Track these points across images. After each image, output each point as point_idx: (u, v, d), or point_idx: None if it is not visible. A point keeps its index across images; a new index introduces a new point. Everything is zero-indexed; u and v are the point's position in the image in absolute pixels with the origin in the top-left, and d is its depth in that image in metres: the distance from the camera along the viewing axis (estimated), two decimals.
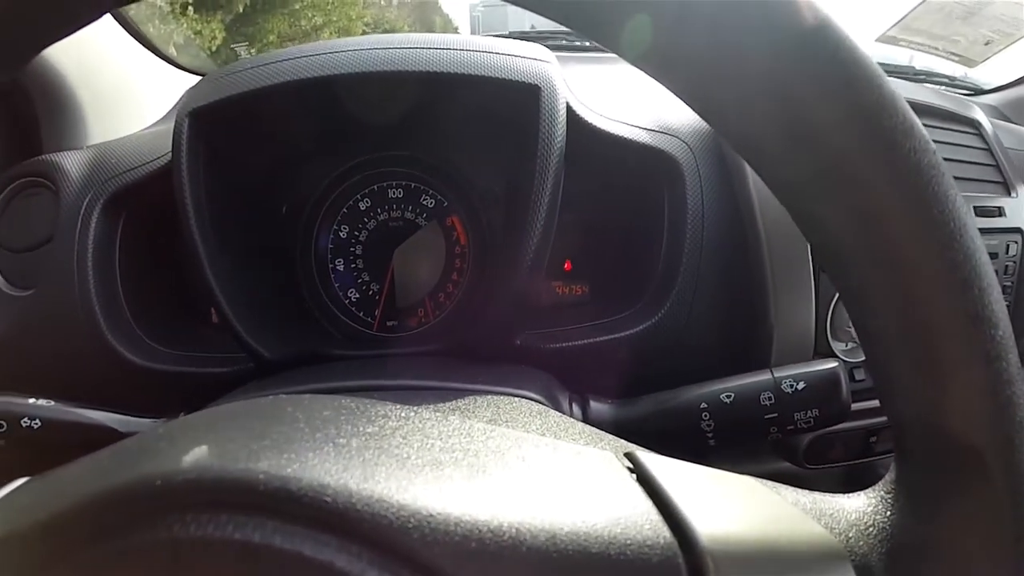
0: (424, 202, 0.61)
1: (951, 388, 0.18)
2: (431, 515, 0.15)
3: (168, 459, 0.16)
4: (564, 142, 0.46)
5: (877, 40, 0.96)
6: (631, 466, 0.20)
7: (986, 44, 0.93)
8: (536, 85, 0.47)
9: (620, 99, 0.55)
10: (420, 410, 0.20)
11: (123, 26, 0.70)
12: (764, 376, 0.38)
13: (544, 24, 0.89)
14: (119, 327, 0.52)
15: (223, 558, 0.14)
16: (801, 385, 0.37)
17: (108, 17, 0.67)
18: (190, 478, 0.15)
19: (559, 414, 0.33)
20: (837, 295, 0.51)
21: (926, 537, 0.19)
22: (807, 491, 0.22)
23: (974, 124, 0.65)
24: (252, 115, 0.50)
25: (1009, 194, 0.62)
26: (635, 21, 0.19)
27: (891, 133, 0.17)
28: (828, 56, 0.17)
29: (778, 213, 0.50)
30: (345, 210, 0.60)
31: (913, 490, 0.20)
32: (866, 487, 0.22)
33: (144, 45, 0.73)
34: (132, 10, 0.72)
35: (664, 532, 0.16)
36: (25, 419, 0.41)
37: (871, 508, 0.21)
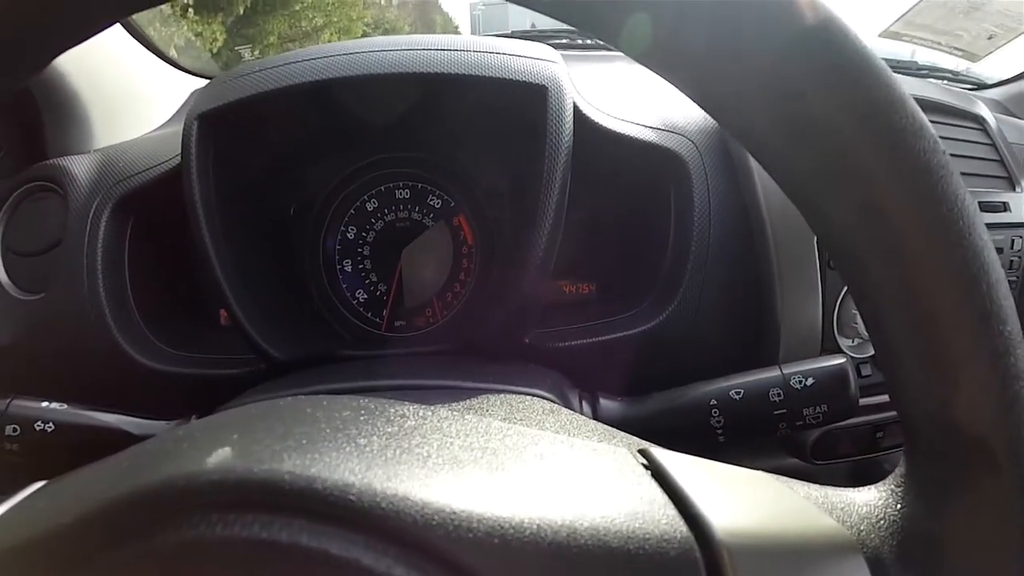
0: (431, 202, 0.61)
1: (960, 383, 0.18)
2: (454, 512, 0.15)
3: (191, 460, 0.16)
4: (571, 142, 0.46)
5: (880, 35, 0.96)
6: (645, 462, 0.20)
7: (989, 39, 0.93)
8: (543, 85, 0.47)
9: (626, 98, 0.55)
10: (437, 409, 0.21)
11: (126, 29, 0.70)
12: (773, 372, 0.38)
13: (546, 23, 0.89)
14: (129, 330, 0.53)
15: (250, 557, 0.14)
16: (810, 381, 0.37)
17: None
18: (214, 479, 0.15)
19: (571, 412, 0.33)
20: (844, 291, 0.52)
21: (936, 529, 0.19)
22: (818, 486, 0.22)
23: (978, 119, 0.65)
24: (259, 118, 0.50)
25: (1014, 189, 0.62)
26: (638, 17, 0.19)
27: (901, 133, 0.17)
28: (837, 54, 0.17)
29: (784, 210, 0.50)
30: (352, 211, 0.61)
31: (923, 483, 0.20)
32: (873, 482, 0.22)
33: (147, 48, 0.73)
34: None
35: (681, 526, 0.17)
36: (39, 422, 0.42)
37: (882, 501, 0.21)
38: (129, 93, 0.69)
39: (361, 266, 0.61)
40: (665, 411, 0.40)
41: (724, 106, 0.21)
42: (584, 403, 0.41)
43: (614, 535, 0.16)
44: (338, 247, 0.61)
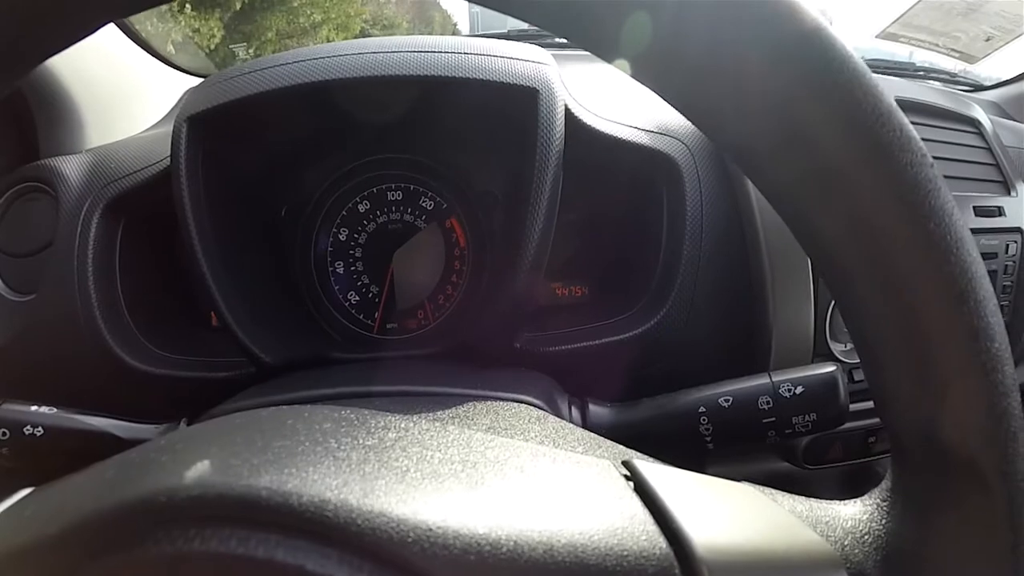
0: (423, 204, 0.61)
1: (948, 399, 0.18)
2: (430, 528, 0.15)
3: (172, 474, 0.16)
4: (562, 144, 0.46)
5: (878, 36, 0.96)
6: (628, 474, 0.20)
7: (986, 40, 0.93)
8: (534, 88, 0.47)
9: (618, 100, 0.55)
10: (419, 420, 0.21)
11: (119, 27, 0.70)
12: (762, 380, 0.38)
13: None
14: (120, 331, 0.53)
15: (227, 571, 0.14)
16: (799, 389, 0.37)
17: None
18: (193, 494, 0.15)
19: (558, 420, 0.33)
20: None
21: (921, 545, 0.19)
22: (804, 498, 0.22)
23: (974, 123, 0.65)
24: (250, 119, 0.50)
25: (1009, 193, 0.62)
26: (627, 28, 0.19)
27: (888, 147, 0.17)
28: (823, 66, 0.17)
29: (776, 214, 0.50)
30: (344, 213, 0.60)
31: (909, 498, 0.20)
32: (864, 487, 0.22)
33: (141, 46, 0.73)
34: None
35: (660, 542, 0.17)
36: (28, 427, 0.41)
37: (867, 516, 0.21)
38: (122, 92, 0.68)
39: (353, 268, 0.61)
40: (654, 418, 0.40)
41: (709, 118, 0.20)
42: (573, 409, 0.41)
43: (592, 552, 0.16)
44: (330, 249, 0.61)
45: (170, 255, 0.59)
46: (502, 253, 0.56)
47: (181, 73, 0.80)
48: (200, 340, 0.57)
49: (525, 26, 0.93)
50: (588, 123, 0.50)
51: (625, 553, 0.16)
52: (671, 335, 0.50)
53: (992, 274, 0.58)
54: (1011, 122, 0.75)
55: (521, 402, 0.36)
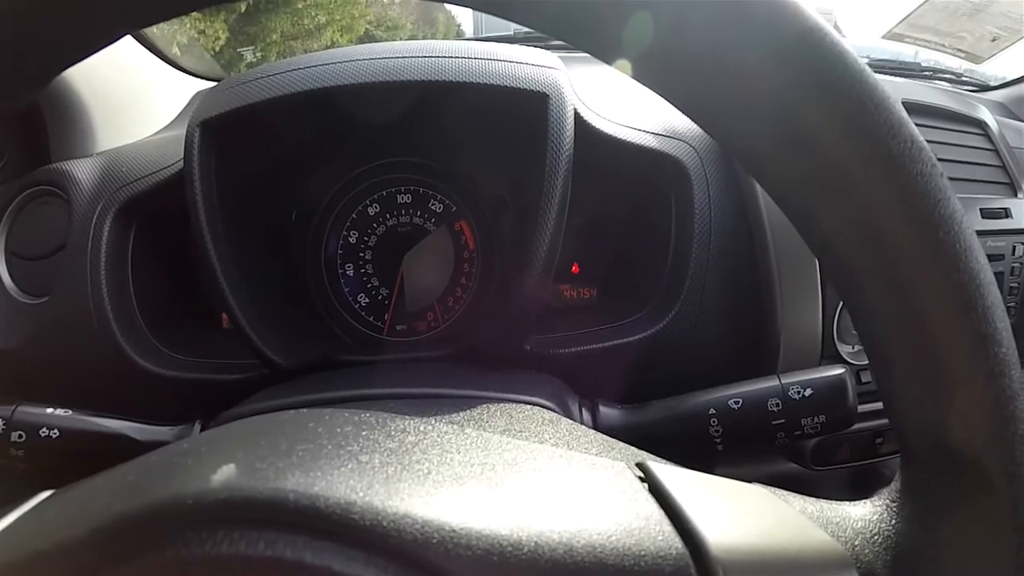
0: (432, 207, 0.61)
1: (955, 403, 0.18)
2: (454, 530, 0.15)
3: (197, 477, 0.16)
4: (572, 148, 0.46)
5: (883, 37, 0.96)
6: (643, 476, 0.21)
7: (992, 40, 0.93)
8: (544, 93, 0.47)
9: (627, 102, 0.55)
10: (437, 423, 0.21)
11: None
12: (772, 382, 0.39)
13: None
14: (132, 334, 0.53)
15: (255, 574, 0.15)
16: (808, 391, 0.37)
17: None
18: (221, 497, 0.15)
19: (570, 422, 0.33)
20: None
21: (930, 546, 0.20)
22: (814, 499, 0.23)
23: (980, 125, 0.65)
24: (262, 125, 0.51)
25: (1015, 195, 0.62)
26: (627, 29, 0.19)
27: (899, 158, 0.17)
28: (835, 77, 0.18)
29: (784, 217, 0.51)
30: (354, 216, 0.61)
31: (917, 499, 0.20)
32: (871, 488, 0.22)
33: (149, 50, 0.73)
34: None
35: (676, 543, 0.17)
36: (43, 429, 0.42)
37: (876, 516, 0.21)
38: (132, 96, 0.69)
39: (363, 271, 0.61)
40: (664, 419, 0.40)
41: (713, 119, 0.21)
42: (584, 411, 0.42)
43: (610, 552, 0.16)
44: (340, 252, 0.61)
45: (181, 258, 0.60)
46: (511, 256, 0.57)
47: (187, 76, 0.80)
48: (211, 342, 0.57)
49: (529, 29, 0.93)
50: (596, 127, 0.51)
51: (642, 553, 0.16)
52: (679, 337, 0.51)
53: (999, 276, 0.58)
54: (1017, 123, 0.75)
55: (533, 404, 0.37)
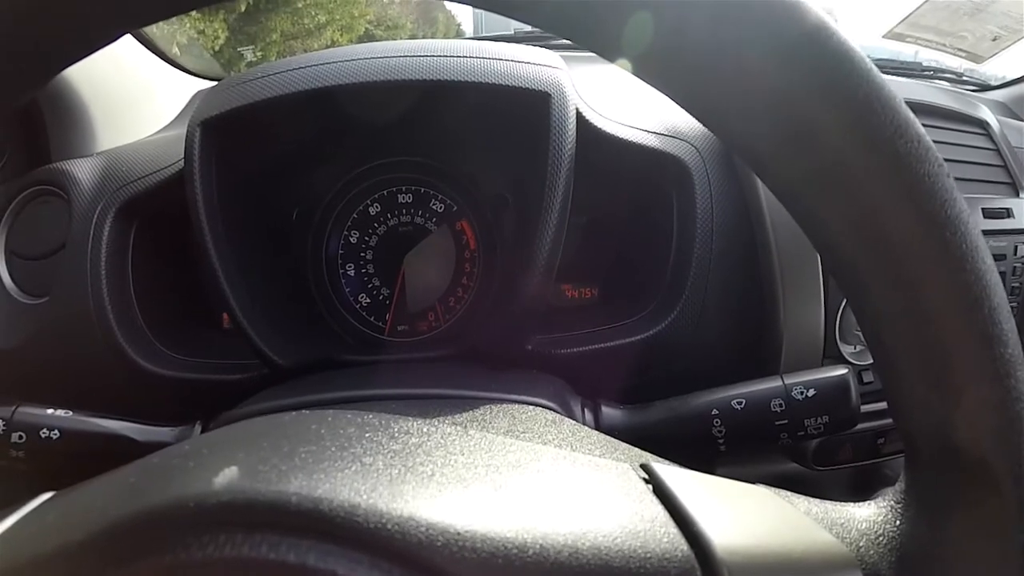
0: (433, 207, 0.61)
1: (961, 403, 0.18)
2: (458, 532, 0.15)
3: (199, 480, 0.16)
4: (574, 148, 0.46)
5: (884, 36, 0.96)
6: (647, 477, 0.21)
7: (993, 40, 0.93)
8: (547, 92, 0.47)
9: (629, 101, 0.55)
10: (440, 424, 0.21)
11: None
12: (775, 383, 0.38)
13: None
14: (132, 334, 0.53)
15: None
16: (811, 392, 0.37)
17: None
18: (223, 500, 0.15)
19: (573, 423, 0.33)
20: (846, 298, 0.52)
21: (935, 546, 0.20)
22: (819, 500, 0.23)
23: (982, 124, 0.65)
24: (262, 124, 0.50)
25: (1017, 195, 0.62)
26: (631, 27, 0.19)
27: (906, 158, 0.17)
28: (842, 78, 0.18)
29: (787, 216, 0.50)
30: (355, 215, 0.61)
31: (922, 500, 0.20)
32: (873, 488, 0.23)
33: (149, 49, 0.73)
34: None
35: (681, 544, 0.17)
36: (44, 430, 0.42)
37: (881, 517, 0.21)
38: (132, 95, 0.69)
39: (364, 270, 0.61)
40: (667, 420, 0.40)
41: (716, 116, 0.21)
42: (586, 411, 0.41)
43: (616, 554, 0.16)
44: (341, 251, 0.61)
45: (182, 257, 0.60)
46: (513, 256, 0.57)
47: (187, 75, 0.80)
48: (211, 342, 0.57)
49: (530, 27, 0.93)
50: (598, 126, 0.50)
51: (648, 555, 0.16)
52: (682, 337, 0.51)
53: (1001, 276, 0.58)
54: (1019, 123, 0.75)
55: (535, 404, 0.36)
